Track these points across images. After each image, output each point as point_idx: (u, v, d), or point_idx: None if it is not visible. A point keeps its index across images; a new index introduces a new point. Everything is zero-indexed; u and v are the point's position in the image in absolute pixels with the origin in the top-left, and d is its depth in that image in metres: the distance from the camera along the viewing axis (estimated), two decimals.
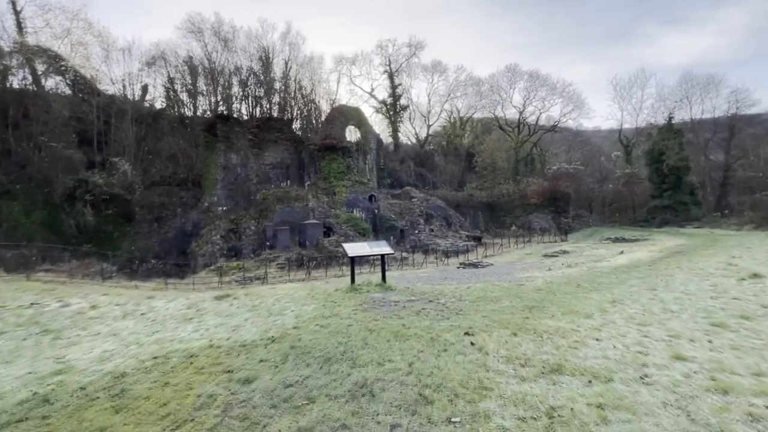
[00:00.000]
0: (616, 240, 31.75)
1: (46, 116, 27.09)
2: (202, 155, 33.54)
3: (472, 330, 6.48)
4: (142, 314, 7.85)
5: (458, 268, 23.11)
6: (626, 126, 59.22)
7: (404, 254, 27.55)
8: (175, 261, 28.86)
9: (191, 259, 29.22)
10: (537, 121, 61.80)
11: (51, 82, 35.47)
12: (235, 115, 37.83)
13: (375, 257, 23.86)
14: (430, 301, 8.74)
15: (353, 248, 9.54)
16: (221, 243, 28.73)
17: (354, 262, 9.28)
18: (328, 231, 30.33)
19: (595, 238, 36.26)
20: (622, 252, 23.50)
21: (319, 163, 36.29)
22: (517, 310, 8.07)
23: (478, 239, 35.87)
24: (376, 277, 13.11)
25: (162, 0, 77.89)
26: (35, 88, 33.16)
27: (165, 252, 30.13)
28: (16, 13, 35.95)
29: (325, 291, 8.91)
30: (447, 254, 28.13)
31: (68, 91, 35.17)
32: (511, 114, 63.52)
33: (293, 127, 40.86)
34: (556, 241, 35.00)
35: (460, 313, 7.79)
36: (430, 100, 69.12)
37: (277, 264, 25.01)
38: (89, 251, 26.12)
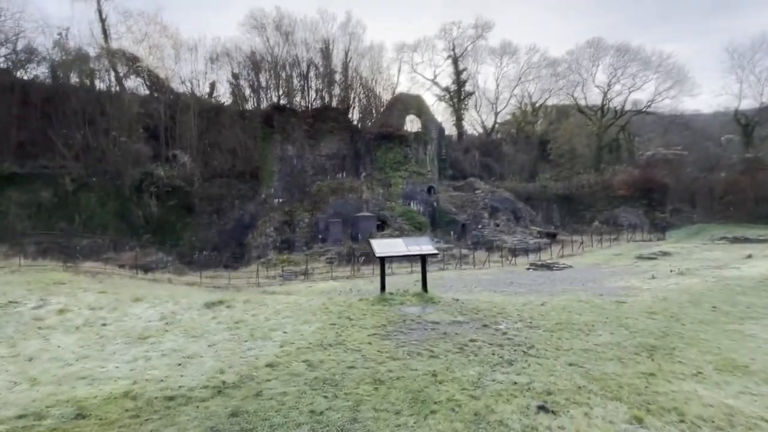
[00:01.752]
0: (735, 240, 25.56)
1: (118, 113, 28.62)
2: (260, 147, 33.57)
3: (553, 398, 3.84)
4: (103, 324, 6.42)
5: (528, 269, 19.79)
6: (745, 104, 48.98)
7: (464, 251, 24.65)
8: (230, 253, 29.10)
9: (246, 251, 29.26)
10: (624, 103, 53.80)
11: (130, 83, 37.99)
12: (284, 102, 37.43)
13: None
14: (485, 325, 6.13)
15: (383, 246, 7.17)
16: (274, 235, 28.27)
17: (384, 263, 7.06)
18: (382, 224, 28.43)
19: (702, 237, 29.86)
20: (749, 256, 18.26)
21: (374, 153, 34.49)
22: (627, 353, 5.17)
23: (552, 236, 31.50)
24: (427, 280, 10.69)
25: None
26: (118, 89, 35.73)
27: (224, 243, 30.56)
28: (102, 21, 39.01)
29: (346, 301, 6.80)
30: (515, 252, 24.65)
31: (145, 91, 37.42)
32: (593, 97, 56.07)
33: (350, 116, 39.53)
34: (650, 240, 29.39)
35: (529, 354, 5.14)
36: (498, 86, 63.67)
37: (327, 258, 23.67)
38: (152, 241, 27.14)
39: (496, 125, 64.35)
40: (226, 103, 41.19)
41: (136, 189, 27.11)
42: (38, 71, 32.75)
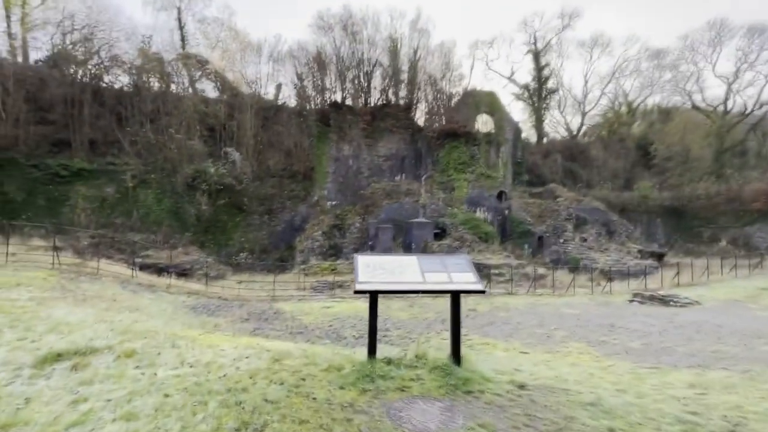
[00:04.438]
0: None
1: (179, 112, 28.85)
2: (314, 147, 31.92)
3: None
4: None
5: (631, 302, 14.69)
6: None
7: (541, 270, 19.88)
8: (278, 256, 27.50)
9: (297, 255, 27.45)
10: (759, 96, 43.18)
11: (202, 85, 39.16)
12: (349, 102, 35.40)
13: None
14: None
15: (375, 269, 3.74)
16: (322, 240, 26.00)
17: (376, 302, 3.78)
18: (440, 232, 24.64)
19: None
20: None
21: (437, 153, 30.84)
22: None
23: (659, 257, 24.90)
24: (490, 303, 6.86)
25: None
26: (191, 90, 36.94)
27: (274, 245, 29.19)
28: (181, 28, 41.10)
29: (298, 371, 3.59)
30: (609, 276, 19.23)
31: (214, 92, 38.27)
32: (711, 91, 46.24)
33: (412, 114, 36.37)
34: None
35: None
36: (587, 83, 56.37)
37: None
38: (201, 240, 26.52)
39: (584, 127, 56.84)
40: (289, 104, 40.75)
41: (189, 186, 26.79)
42: (119, 77, 34.84)
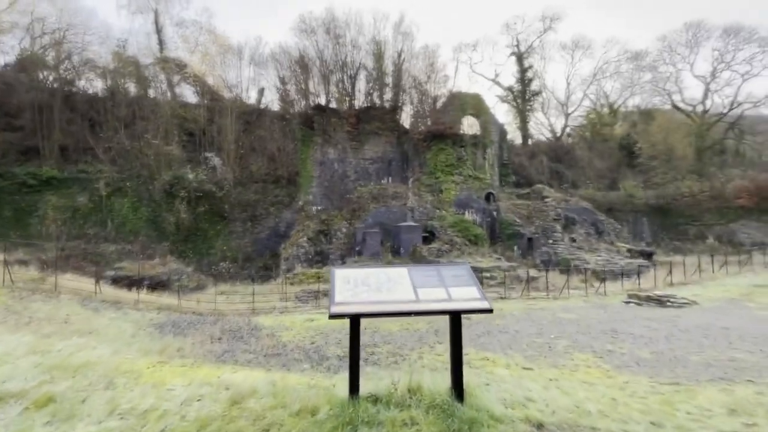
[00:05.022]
0: None
1: (156, 117, 27.70)
2: (298, 151, 31.04)
3: None
4: None
5: (627, 303, 14.27)
6: None
7: (533, 273, 19.40)
8: (262, 264, 26.48)
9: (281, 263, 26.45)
10: (735, 95, 44.03)
11: (181, 89, 37.91)
12: (333, 106, 34.65)
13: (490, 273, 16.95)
14: None
15: (357, 285, 3.05)
16: (307, 246, 25.09)
17: (359, 328, 2.89)
18: (429, 236, 24.03)
19: None
20: None
21: (424, 155, 30.32)
22: None
23: (648, 256, 24.75)
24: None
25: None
26: (169, 95, 35.67)
27: (258, 253, 28.11)
28: (158, 32, 39.84)
29: (262, 415, 2.94)
30: (601, 276, 18.85)
31: (193, 96, 37.07)
32: (690, 91, 47.05)
33: (397, 116, 35.81)
34: None
35: None
36: (569, 84, 56.55)
37: None
38: (181, 249, 25.34)
39: (567, 128, 57.36)
40: (272, 108, 39.79)
41: (167, 194, 25.60)
42: (93, 81, 33.45)
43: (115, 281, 17.33)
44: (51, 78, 32.37)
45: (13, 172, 24.58)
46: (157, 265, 20.25)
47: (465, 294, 3.10)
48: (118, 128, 26.77)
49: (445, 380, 3.86)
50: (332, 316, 2.84)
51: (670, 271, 18.21)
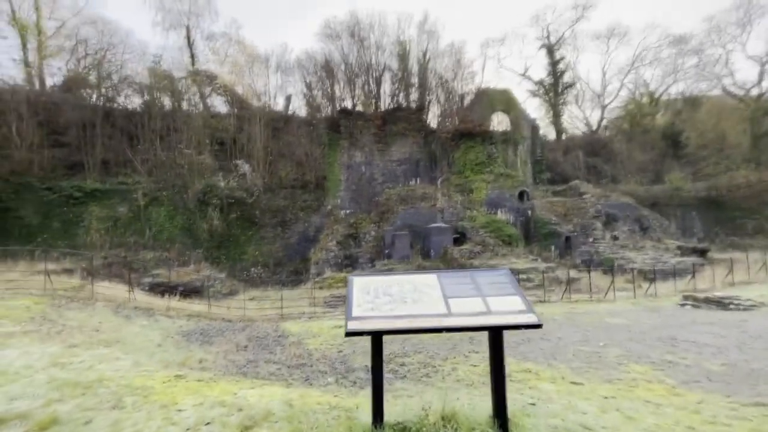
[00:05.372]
0: None
1: (188, 128, 28.62)
2: (326, 155, 31.14)
3: None
4: None
5: (682, 305, 13.03)
6: None
7: (572, 273, 18.27)
8: (293, 268, 26.65)
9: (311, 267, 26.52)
10: None
11: (212, 101, 39.14)
12: (359, 109, 34.56)
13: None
14: None
15: (373, 295, 2.59)
16: (336, 250, 24.98)
17: (381, 346, 2.47)
18: (460, 237, 23.28)
19: None
20: None
21: (452, 154, 29.57)
22: None
23: (702, 253, 22.81)
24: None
25: (302, 4, 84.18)
26: (201, 107, 36.92)
27: (288, 258, 28.34)
28: (190, 46, 41.37)
29: (299, 428, 2.55)
30: (650, 277, 17.44)
31: (223, 107, 38.17)
32: (742, 74, 43.40)
33: (423, 116, 35.23)
34: None
35: None
36: (605, 75, 54.08)
37: None
38: (215, 255, 25.93)
39: (604, 120, 54.67)
40: (299, 114, 40.30)
41: (200, 202, 26.31)
42: (131, 97, 35.10)
43: (152, 288, 17.84)
44: (94, 96, 34.30)
45: (61, 186, 26.04)
46: (192, 272, 20.73)
47: (507, 305, 2.60)
48: (153, 141, 27.85)
49: (483, 402, 3.36)
50: (349, 334, 2.42)
51: (731, 270, 16.56)
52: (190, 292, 18.16)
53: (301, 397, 3.75)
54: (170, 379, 4.19)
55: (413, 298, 2.65)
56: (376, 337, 2.54)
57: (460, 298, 2.64)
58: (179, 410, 3.20)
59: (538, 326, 2.49)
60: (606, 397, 4.60)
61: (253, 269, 25.53)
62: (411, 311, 2.56)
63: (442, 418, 2.90)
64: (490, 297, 2.67)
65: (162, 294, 14.81)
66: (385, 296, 2.67)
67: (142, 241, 25.53)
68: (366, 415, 3.00)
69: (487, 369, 5.70)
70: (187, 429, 2.85)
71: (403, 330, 2.57)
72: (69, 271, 18.40)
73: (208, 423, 2.96)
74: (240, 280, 23.77)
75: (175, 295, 15.21)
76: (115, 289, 12.84)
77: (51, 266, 17.19)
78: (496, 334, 2.56)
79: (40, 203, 25.57)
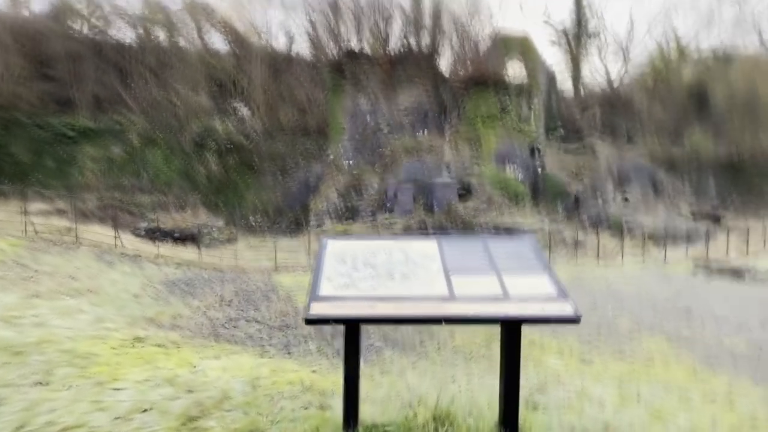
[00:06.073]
0: None
1: (184, 66, 26.89)
2: (329, 100, 29.49)
3: None
4: None
5: (694, 274, 12.45)
6: None
7: (580, 235, 17.65)
8: (293, 217, 26.21)
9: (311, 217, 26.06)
10: None
11: (211, 37, 36.63)
12: (366, 51, 32.23)
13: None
14: None
15: (351, 266, 1.80)
16: (337, 201, 24.37)
17: (358, 338, 1.83)
18: (465, 193, 22.46)
19: None
20: None
21: (463, 104, 27.87)
22: None
23: (716, 219, 21.99)
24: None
25: None
26: (200, 44, 34.61)
27: (288, 206, 27.80)
28: None
29: (257, 424, 2.14)
30: (659, 241, 16.82)
31: (222, 44, 35.78)
32: None
33: (434, 62, 32.89)
34: None
35: None
36: (632, 25, 49.78)
37: (390, 233, 18.92)
38: (213, 201, 25.44)
39: (626, 74, 51.26)
40: (302, 54, 37.83)
41: (197, 145, 25.33)
42: (123, 30, 32.80)
43: (148, 233, 17.47)
44: (84, 27, 32.04)
45: (51, 123, 24.99)
46: (189, 217, 20.30)
47: (530, 287, 1.88)
48: (147, 78, 26.27)
49: (485, 391, 2.78)
50: (310, 321, 1.72)
51: (747, 238, 15.84)
52: (186, 238, 17.80)
53: (272, 374, 3.20)
54: (125, 342, 3.66)
55: (403, 273, 1.93)
56: (352, 327, 1.86)
57: (467, 276, 1.92)
58: (116, 389, 2.64)
59: (574, 321, 1.80)
60: (622, 383, 4.06)
61: (251, 217, 25.08)
62: (399, 291, 1.84)
63: (434, 419, 2.31)
64: (508, 275, 1.95)
65: (156, 240, 14.42)
66: (367, 268, 1.95)
67: (138, 184, 24.93)
68: (341, 404, 2.42)
69: (491, 336, 5.03)
70: (116, 418, 2.29)
71: (387, 318, 1.88)
72: (62, 212, 17.98)
73: (145, 410, 2.40)
74: (239, 228, 23.42)
75: (168, 241, 14.82)
76: (106, 234, 12.38)
77: (43, 207, 16.75)
78: (512, 328, 1.87)
79: (31, 140, 24.67)
